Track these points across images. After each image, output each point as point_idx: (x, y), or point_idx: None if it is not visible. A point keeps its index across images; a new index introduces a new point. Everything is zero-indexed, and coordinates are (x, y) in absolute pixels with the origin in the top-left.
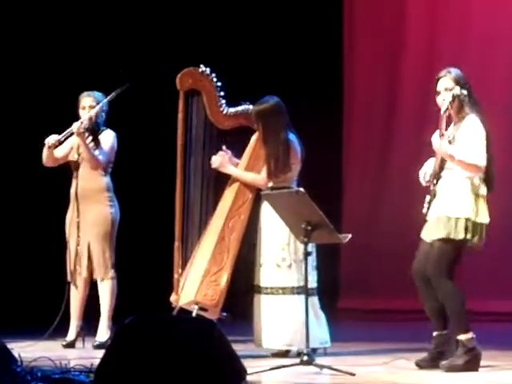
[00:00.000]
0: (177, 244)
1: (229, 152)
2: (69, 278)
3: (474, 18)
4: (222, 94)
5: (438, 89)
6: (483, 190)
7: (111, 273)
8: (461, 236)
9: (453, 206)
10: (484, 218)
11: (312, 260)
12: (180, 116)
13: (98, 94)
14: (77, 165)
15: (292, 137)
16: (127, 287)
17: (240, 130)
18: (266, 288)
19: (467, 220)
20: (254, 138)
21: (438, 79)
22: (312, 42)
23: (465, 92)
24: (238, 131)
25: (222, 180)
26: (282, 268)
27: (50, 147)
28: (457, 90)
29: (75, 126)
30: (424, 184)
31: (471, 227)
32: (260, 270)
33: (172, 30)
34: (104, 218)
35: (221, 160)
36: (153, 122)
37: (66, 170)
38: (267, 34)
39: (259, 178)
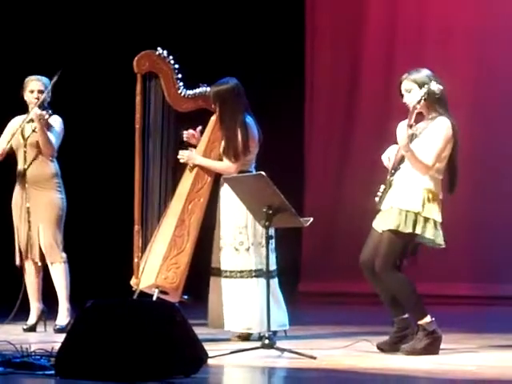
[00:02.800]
0: (136, 227)
1: (196, 132)
2: (17, 262)
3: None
4: (179, 76)
5: (402, 92)
6: (437, 189)
7: (62, 256)
8: (409, 230)
9: (405, 198)
10: (435, 215)
11: (270, 242)
12: (138, 99)
13: (45, 79)
14: (23, 149)
15: (249, 119)
16: (88, 271)
17: (198, 112)
18: (226, 271)
19: (417, 214)
20: (212, 119)
21: (401, 82)
22: (273, 24)
23: (440, 87)
24: (196, 113)
25: (180, 163)
26: (240, 252)
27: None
28: (433, 85)
29: (36, 113)
30: (390, 168)
31: (422, 222)
32: (220, 253)
33: (129, 12)
34: (55, 204)
35: (188, 154)
36: (111, 106)
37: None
38: (227, 15)
39: (230, 166)
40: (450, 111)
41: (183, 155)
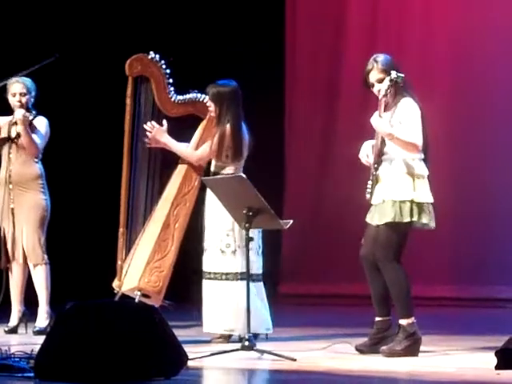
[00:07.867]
0: (121, 230)
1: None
2: (2, 263)
3: None
4: (170, 81)
5: (371, 81)
6: (422, 170)
7: (45, 258)
8: (407, 219)
9: (395, 189)
10: (427, 197)
11: (258, 246)
12: (128, 102)
13: (27, 80)
14: (8, 150)
15: (243, 126)
16: (71, 273)
17: (187, 118)
18: (209, 273)
19: (411, 202)
20: (201, 125)
21: (368, 73)
22: (254, 25)
23: (402, 75)
24: (185, 119)
25: (168, 167)
26: (226, 254)
27: None
28: (393, 74)
29: (19, 114)
30: (369, 165)
31: (416, 208)
32: (203, 255)
33: (122, 15)
34: (39, 205)
35: (158, 128)
36: (100, 107)
37: None
38: (215, 21)
39: (193, 154)
40: (414, 94)
41: (152, 127)
